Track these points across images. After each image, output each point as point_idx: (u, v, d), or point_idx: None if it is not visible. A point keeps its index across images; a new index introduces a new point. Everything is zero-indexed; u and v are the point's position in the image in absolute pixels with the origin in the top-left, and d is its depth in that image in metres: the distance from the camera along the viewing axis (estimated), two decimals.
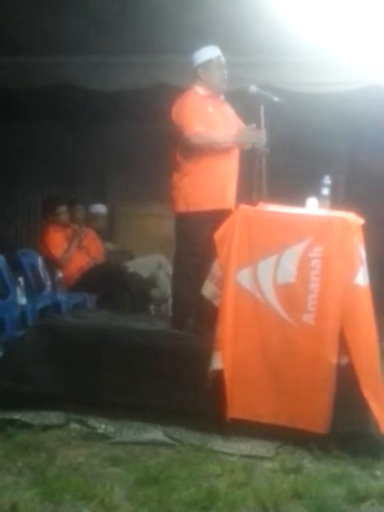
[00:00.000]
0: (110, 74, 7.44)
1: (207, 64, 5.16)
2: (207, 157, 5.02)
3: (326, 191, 4.92)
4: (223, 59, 5.20)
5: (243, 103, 5.20)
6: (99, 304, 6.97)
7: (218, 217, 4.76)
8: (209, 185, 5.03)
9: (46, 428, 4.62)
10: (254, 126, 5.04)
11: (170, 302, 7.01)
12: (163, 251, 7.78)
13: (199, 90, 5.16)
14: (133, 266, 7.68)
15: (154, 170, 8.13)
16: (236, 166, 5.16)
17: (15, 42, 7.04)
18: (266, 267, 4.55)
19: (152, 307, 7.51)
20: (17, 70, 7.51)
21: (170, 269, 7.49)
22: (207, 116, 5.07)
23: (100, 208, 8.28)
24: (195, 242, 4.94)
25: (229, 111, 5.26)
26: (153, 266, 7.72)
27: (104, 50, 7.18)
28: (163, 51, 7.02)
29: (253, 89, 5.10)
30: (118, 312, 6.00)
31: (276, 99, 5.09)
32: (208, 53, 5.19)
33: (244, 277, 4.56)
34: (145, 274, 7.56)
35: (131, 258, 8.14)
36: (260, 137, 5.05)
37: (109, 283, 7.13)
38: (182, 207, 5.07)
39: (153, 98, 7.22)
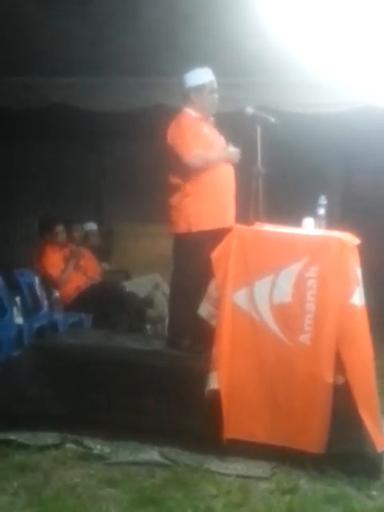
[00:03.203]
0: (108, 95, 7.49)
1: (200, 88, 5.15)
2: (207, 176, 5.04)
3: (321, 211, 4.94)
4: (216, 84, 5.20)
5: (239, 124, 5.22)
6: (96, 324, 6.97)
7: (218, 236, 4.75)
8: (210, 204, 5.05)
9: (42, 448, 4.61)
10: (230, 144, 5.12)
11: (167, 321, 7.03)
12: (160, 271, 7.79)
13: (191, 112, 5.18)
14: (129, 285, 7.69)
15: (150, 189, 8.14)
16: (233, 184, 5.19)
17: (14, 62, 7.09)
18: (262, 287, 4.56)
19: (148, 327, 7.51)
20: (16, 90, 7.56)
21: (166, 288, 7.50)
22: (204, 137, 5.10)
23: (91, 225, 8.28)
24: (195, 262, 4.93)
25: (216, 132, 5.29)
26: (149, 285, 7.73)
27: (103, 70, 7.23)
28: (160, 72, 7.07)
29: (249, 110, 5.13)
30: (114, 332, 6.00)
31: (272, 120, 5.12)
32: (202, 77, 5.19)
33: (240, 297, 4.58)
34: (141, 293, 7.56)
35: (128, 277, 8.15)
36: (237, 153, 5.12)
37: (105, 303, 7.14)
38: (183, 228, 5.07)
39: (150, 119, 7.25)
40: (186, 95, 5.20)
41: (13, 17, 6.51)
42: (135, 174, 8.86)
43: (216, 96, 5.21)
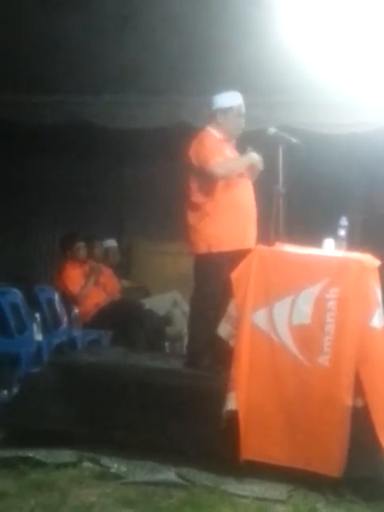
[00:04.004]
0: (131, 113, 7.54)
1: (227, 110, 5.17)
2: (227, 196, 5.05)
3: (342, 232, 4.92)
4: (244, 109, 5.21)
5: (260, 143, 5.23)
6: (114, 341, 6.98)
7: (239, 257, 4.73)
8: (230, 225, 5.04)
9: (59, 466, 4.59)
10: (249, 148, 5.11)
11: (185, 339, 7.03)
12: (179, 288, 7.81)
13: (214, 132, 5.19)
14: (148, 303, 7.71)
15: (170, 207, 8.15)
16: (254, 205, 5.18)
17: (38, 80, 7.15)
18: (281, 308, 4.54)
19: (167, 345, 7.52)
20: (39, 108, 7.63)
21: (185, 306, 7.51)
22: (224, 157, 5.10)
23: (110, 242, 8.31)
24: (215, 282, 4.92)
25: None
26: (168, 303, 7.74)
27: (125, 89, 7.28)
28: (183, 91, 7.11)
29: (271, 130, 5.14)
30: (132, 350, 6.00)
31: (294, 141, 5.12)
32: (230, 100, 5.20)
33: (260, 317, 4.56)
34: (160, 311, 7.58)
35: (147, 295, 8.16)
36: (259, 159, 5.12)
37: (124, 320, 7.15)
38: (202, 249, 5.07)
39: (171, 138, 7.29)
40: (213, 115, 5.21)
41: (38, 37, 6.56)
42: (156, 192, 8.90)
43: (242, 120, 5.22)
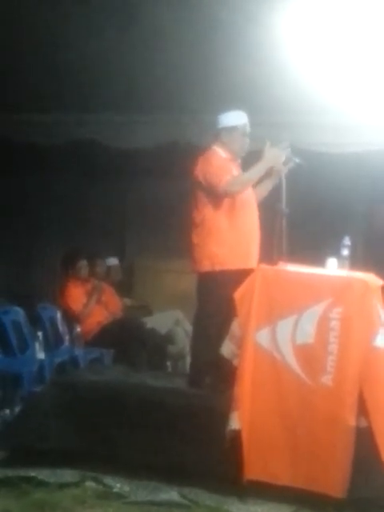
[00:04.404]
0: (133, 132, 7.56)
1: (232, 130, 5.18)
2: (232, 215, 5.05)
3: (345, 252, 4.93)
4: (248, 128, 5.22)
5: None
6: (116, 359, 6.97)
7: (242, 276, 4.74)
8: (234, 244, 5.05)
9: (62, 486, 4.58)
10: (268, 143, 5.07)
11: (188, 358, 7.03)
12: (181, 307, 7.80)
13: (220, 151, 5.21)
14: (150, 321, 7.70)
15: (172, 226, 8.18)
16: (258, 224, 5.19)
17: (40, 98, 7.18)
18: (284, 327, 4.55)
19: (169, 363, 7.50)
20: (42, 127, 7.67)
21: (187, 325, 7.52)
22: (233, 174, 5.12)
23: (112, 261, 8.31)
24: (218, 301, 4.92)
25: None
26: (170, 322, 7.73)
27: (127, 108, 7.31)
28: (186, 110, 7.14)
29: None
30: (135, 368, 5.99)
31: (297, 161, 5.14)
32: (235, 119, 5.22)
33: (263, 337, 4.56)
34: (162, 330, 7.57)
35: (149, 313, 8.15)
36: (278, 151, 5.07)
37: (126, 339, 7.14)
38: (206, 267, 5.07)
39: (174, 156, 7.32)
40: (217, 134, 5.23)
41: (41, 56, 6.59)
42: (158, 210, 8.91)
43: (247, 140, 5.23)
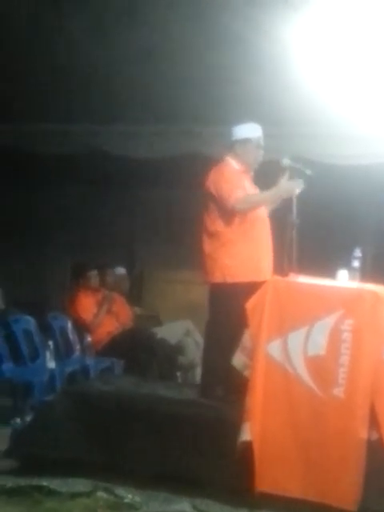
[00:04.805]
0: (142, 142, 7.59)
1: (246, 142, 5.20)
2: (244, 227, 5.07)
3: (356, 263, 4.94)
4: (262, 141, 5.24)
5: (274, 174, 5.26)
6: (126, 369, 6.99)
7: (254, 288, 4.75)
8: (246, 255, 5.06)
9: (74, 496, 4.58)
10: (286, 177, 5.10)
11: (198, 369, 7.03)
12: (190, 317, 7.81)
13: (233, 162, 5.23)
14: (160, 332, 7.71)
15: (183, 236, 8.20)
16: (270, 236, 5.21)
17: (51, 109, 7.22)
18: (296, 339, 4.56)
19: (179, 374, 7.51)
20: (52, 137, 7.69)
21: (197, 335, 7.53)
22: (244, 188, 5.13)
23: (120, 270, 8.33)
24: (230, 312, 4.92)
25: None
26: (180, 332, 7.74)
27: (138, 118, 7.33)
28: (197, 121, 7.16)
29: (286, 161, 5.16)
30: (145, 379, 6.00)
31: (308, 172, 5.15)
32: (249, 131, 5.23)
33: (274, 348, 4.57)
34: (172, 340, 7.58)
35: (159, 323, 8.17)
36: (294, 185, 5.09)
37: (136, 349, 7.16)
38: (218, 278, 5.08)
39: (184, 167, 7.34)
40: (231, 146, 5.25)
41: (53, 67, 6.63)
42: (168, 221, 8.93)
43: (261, 152, 5.25)
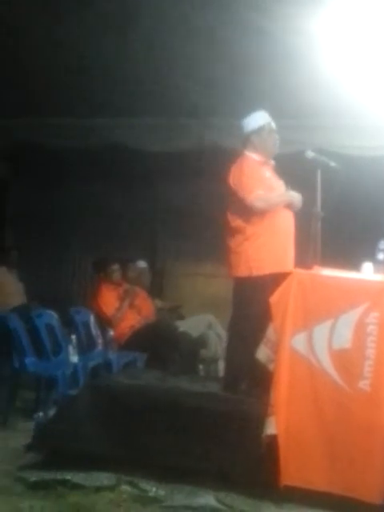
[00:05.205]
0: (163, 135, 7.58)
1: (259, 130, 5.21)
2: (268, 220, 5.06)
3: (381, 256, 4.90)
4: (273, 124, 5.26)
5: (299, 166, 5.23)
6: (149, 363, 6.97)
7: (279, 280, 4.72)
8: (271, 248, 5.05)
9: (98, 489, 4.58)
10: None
11: (220, 362, 7.02)
12: (212, 310, 7.80)
13: (253, 155, 5.21)
14: (182, 325, 7.70)
15: (204, 229, 8.19)
16: (293, 228, 5.18)
17: (70, 104, 7.22)
18: (321, 332, 4.51)
19: (201, 367, 7.49)
20: (73, 131, 7.71)
21: (219, 328, 7.51)
22: (266, 181, 5.13)
23: (141, 264, 8.31)
24: (255, 305, 4.90)
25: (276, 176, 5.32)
26: (203, 325, 7.72)
27: (157, 112, 7.32)
28: (217, 114, 7.14)
29: (310, 154, 5.14)
30: (169, 372, 5.98)
31: (332, 164, 5.13)
32: (259, 119, 5.25)
33: (299, 341, 4.53)
34: (194, 333, 7.57)
35: (181, 317, 8.16)
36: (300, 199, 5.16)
37: (159, 343, 7.14)
38: (244, 272, 5.06)
39: (205, 159, 7.32)
40: (247, 139, 5.25)
41: (70, 62, 6.63)
42: (189, 214, 8.91)
43: (276, 136, 5.26)
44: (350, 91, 6.35)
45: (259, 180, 5.08)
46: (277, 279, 4.76)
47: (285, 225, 5.13)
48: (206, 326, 7.70)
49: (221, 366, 6.95)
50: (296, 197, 5.18)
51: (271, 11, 5.76)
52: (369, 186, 7.58)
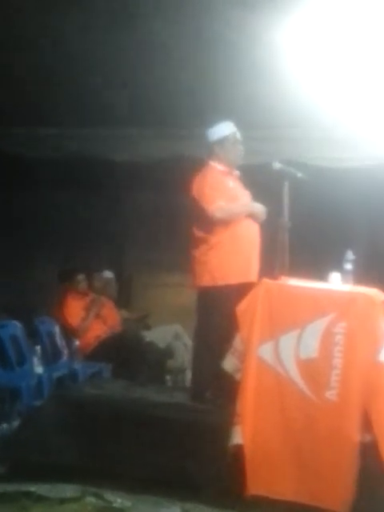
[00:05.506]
0: (130, 146, 7.57)
1: (223, 141, 5.22)
2: (232, 230, 5.06)
3: (348, 266, 4.91)
4: (238, 135, 5.27)
5: (266, 177, 5.24)
6: (115, 373, 6.93)
7: (243, 290, 4.74)
8: (235, 257, 5.05)
9: (62, 501, 4.52)
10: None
11: (187, 372, 7.00)
12: (180, 321, 7.78)
13: (217, 165, 5.22)
14: (149, 335, 7.68)
15: (171, 239, 8.17)
16: (258, 239, 5.19)
17: (37, 113, 7.18)
18: (287, 342, 4.51)
19: (168, 378, 7.47)
20: (39, 141, 7.67)
21: (186, 339, 7.50)
22: (228, 191, 5.15)
23: (107, 274, 8.27)
24: (219, 315, 4.91)
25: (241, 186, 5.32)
26: (170, 336, 7.71)
27: (125, 122, 7.31)
28: (185, 125, 7.14)
29: (276, 165, 5.15)
30: (135, 383, 5.95)
31: (299, 175, 5.15)
32: (223, 130, 5.26)
33: (266, 351, 4.53)
34: (161, 344, 7.54)
35: (147, 327, 8.13)
36: (263, 211, 5.18)
37: (125, 353, 7.11)
38: (207, 281, 5.07)
39: (171, 170, 7.31)
40: (211, 149, 5.26)
41: (41, 70, 6.60)
42: (156, 224, 8.90)
43: (240, 147, 5.27)
44: (320, 103, 6.40)
45: (221, 191, 5.09)
46: (241, 289, 4.79)
47: (249, 235, 5.14)
48: (173, 337, 7.68)
49: (188, 376, 6.92)
50: (259, 208, 5.20)
51: (238, 23, 5.79)
52: (337, 196, 7.65)
